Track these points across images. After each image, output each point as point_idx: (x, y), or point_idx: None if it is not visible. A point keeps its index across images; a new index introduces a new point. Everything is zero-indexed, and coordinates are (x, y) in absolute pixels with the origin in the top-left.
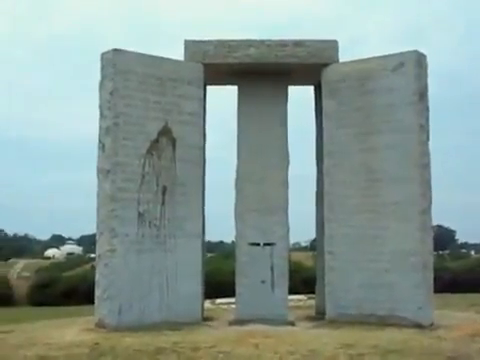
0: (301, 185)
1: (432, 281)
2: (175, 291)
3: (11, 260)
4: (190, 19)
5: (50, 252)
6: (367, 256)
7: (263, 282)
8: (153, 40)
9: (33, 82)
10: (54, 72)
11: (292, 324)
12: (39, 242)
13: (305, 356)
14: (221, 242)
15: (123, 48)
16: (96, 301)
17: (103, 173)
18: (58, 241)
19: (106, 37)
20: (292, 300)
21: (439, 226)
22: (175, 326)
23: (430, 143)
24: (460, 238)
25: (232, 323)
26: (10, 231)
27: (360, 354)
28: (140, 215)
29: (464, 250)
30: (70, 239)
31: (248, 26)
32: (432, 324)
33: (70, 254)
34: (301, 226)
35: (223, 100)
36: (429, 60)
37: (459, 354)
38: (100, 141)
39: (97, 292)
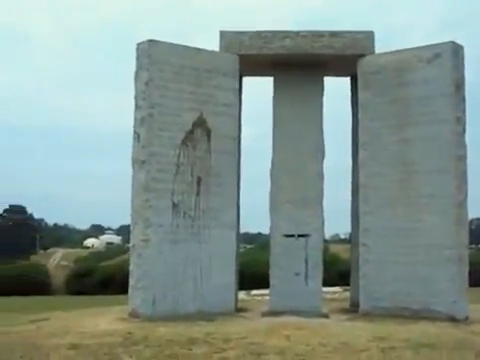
0: (341, 176)
1: (467, 275)
2: (209, 282)
3: (50, 249)
4: (226, 9)
5: (89, 241)
6: (402, 249)
7: (297, 274)
8: (191, 31)
9: (78, 72)
10: (96, 61)
11: (326, 316)
12: (79, 232)
13: (337, 348)
14: (259, 233)
15: (159, 39)
16: (130, 291)
17: (138, 163)
18: (98, 231)
19: (145, 27)
20: (328, 292)
21: (479, 219)
22: (208, 316)
23: (467, 134)
24: None
25: (265, 314)
26: (50, 221)
27: (392, 347)
28: (174, 205)
29: None
30: (109, 229)
31: (282, 17)
32: (467, 318)
33: (109, 244)
34: (340, 218)
35: (264, 91)
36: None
37: None
38: (135, 131)
39: (131, 282)
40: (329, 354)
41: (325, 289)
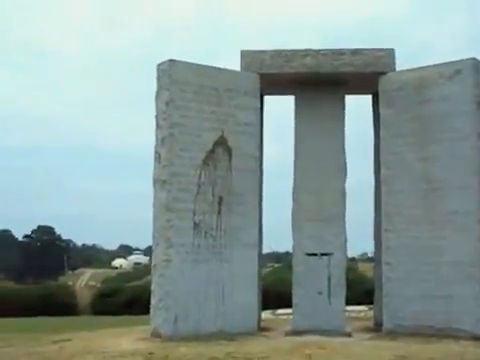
0: (369, 194)
1: None
2: (231, 301)
3: (78, 270)
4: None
5: (117, 262)
6: (425, 267)
7: (320, 293)
8: (217, 50)
9: (106, 92)
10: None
11: (349, 335)
12: (107, 252)
13: None
14: (287, 253)
15: (179, 59)
16: (152, 311)
17: (159, 183)
18: (126, 251)
19: (169, 48)
20: (353, 311)
21: None
22: (230, 336)
23: None
24: None
25: (288, 334)
26: (78, 241)
27: None
28: (196, 225)
29: None
30: (137, 249)
31: (311, 31)
32: None
33: (137, 264)
34: (369, 237)
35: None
36: None
37: None
38: (156, 151)
39: (153, 302)
40: None
41: (350, 308)
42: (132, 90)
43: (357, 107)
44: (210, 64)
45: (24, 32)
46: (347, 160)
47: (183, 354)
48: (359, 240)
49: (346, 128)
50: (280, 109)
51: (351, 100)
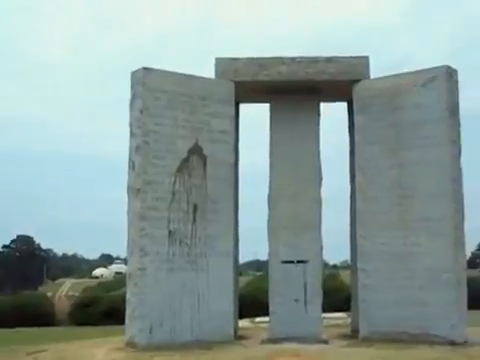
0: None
1: (466, 298)
2: (207, 310)
3: (58, 280)
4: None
5: (98, 271)
6: (400, 273)
7: (296, 300)
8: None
9: (90, 98)
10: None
11: (325, 342)
12: (88, 262)
13: None
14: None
15: (153, 66)
16: (127, 320)
17: (133, 191)
18: (107, 260)
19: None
20: (332, 318)
21: None
22: (206, 345)
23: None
24: None
25: (265, 342)
26: (59, 251)
27: None
28: (171, 233)
29: None
30: (118, 258)
31: (295, 38)
32: (466, 342)
33: (118, 273)
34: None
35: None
36: None
37: None
38: (130, 159)
39: (128, 311)
40: None
41: (330, 315)
42: (113, 96)
43: (334, 114)
44: (197, 72)
45: (16, 39)
46: (327, 168)
47: None
48: (341, 247)
49: (324, 136)
50: (259, 116)
51: (327, 107)
